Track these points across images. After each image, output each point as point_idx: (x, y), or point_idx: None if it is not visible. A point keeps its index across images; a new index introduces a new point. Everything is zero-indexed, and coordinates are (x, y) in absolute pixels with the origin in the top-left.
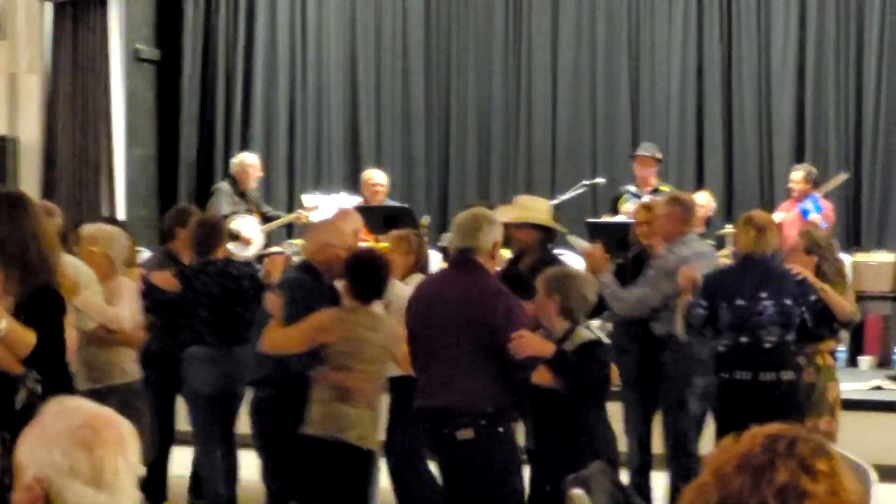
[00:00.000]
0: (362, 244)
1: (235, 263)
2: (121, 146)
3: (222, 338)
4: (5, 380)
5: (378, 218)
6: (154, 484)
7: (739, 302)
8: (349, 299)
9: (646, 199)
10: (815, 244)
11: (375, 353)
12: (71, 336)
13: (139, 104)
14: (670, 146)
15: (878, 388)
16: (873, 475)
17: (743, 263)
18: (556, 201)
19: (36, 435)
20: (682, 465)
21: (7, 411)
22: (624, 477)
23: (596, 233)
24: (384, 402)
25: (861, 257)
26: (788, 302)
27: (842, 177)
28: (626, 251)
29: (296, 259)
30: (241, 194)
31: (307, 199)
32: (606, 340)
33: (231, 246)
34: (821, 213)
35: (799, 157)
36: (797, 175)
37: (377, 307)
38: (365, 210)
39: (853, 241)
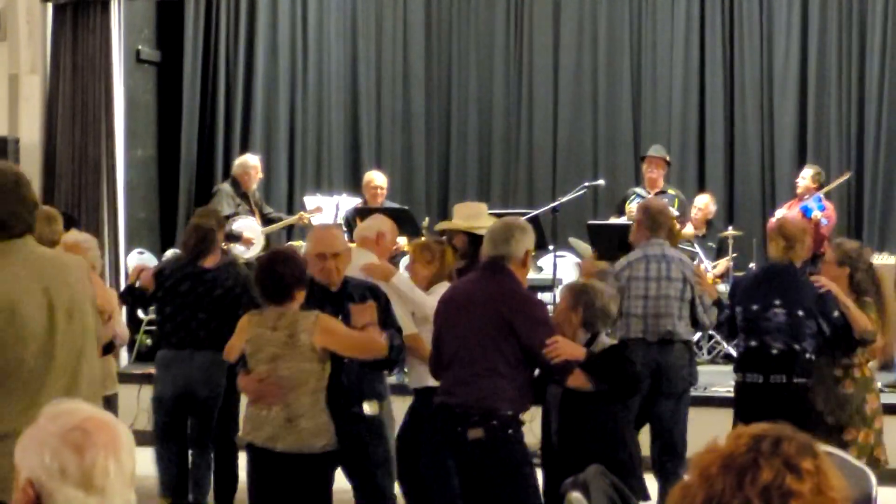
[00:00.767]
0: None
1: (226, 268)
2: (121, 147)
3: (180, 340)
4: None
5: None
6: None
7: (754, 307)
8: (262, 299)
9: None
10: (846, 255)
11: (272, 353)
12: None
13: (140, 105)
14: (672, 148)
15: (881, 391)
16: (874, 478)
17: (765, 270)
18: (556, 203)
19: (30, 437)
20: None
21: None
22: (651, 480)
23: (596, 234)
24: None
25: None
26: (800, 313)
27: (845, 176)
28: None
29: None
30: (243, 195)
31: (309, 200)
32: None
33: (232, 247)
34: (823, 211)
35: (801, 160)
36: (807, 173)
37: (292, 307)
38: (365, 211)
39: None
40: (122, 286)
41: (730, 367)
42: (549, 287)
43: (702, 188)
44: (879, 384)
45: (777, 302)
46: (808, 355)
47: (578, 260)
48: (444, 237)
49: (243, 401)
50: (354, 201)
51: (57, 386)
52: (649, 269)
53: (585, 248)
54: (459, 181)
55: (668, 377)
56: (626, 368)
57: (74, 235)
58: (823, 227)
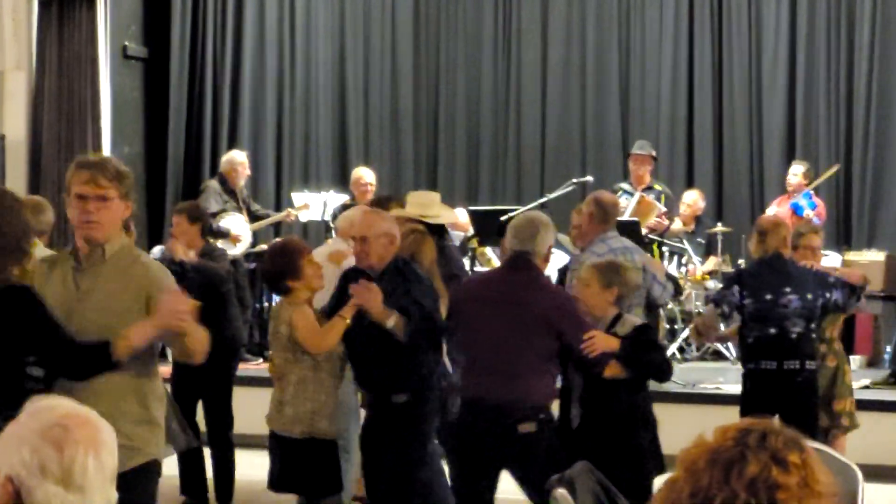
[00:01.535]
0: None
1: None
2: (108, 144)
3: None
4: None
5: None
6: None
7: (767, 297)
8: None
9: (638, 195)
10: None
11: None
12: None
13: (127, 102)
14: (661, 145)
15: (868, 387)
16: (860, 474)
17: (759, 264)
18: (544, 199)
19: (10, 433)
20: None
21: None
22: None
23: None
24: None
25: (852, 256)
26: (810, 296)
27: (834, 168)
28: None
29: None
30: (230, 192)
31: (297, 197)
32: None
33: (220, 244)
34: (814, 209)
35: (789, 157)
36: (799, 169)
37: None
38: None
39: (844, 240)
40: None
41: (719, 364)
42: None
43: (690, 185)
44: (867, 381)
45: (787, 289)
46: (814, 335)
47: (567, 256)
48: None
49: (237, 399)
50: (342, 198)
51: None
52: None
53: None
54: (447, 178)
55: None
56: (656, 355)
57: None
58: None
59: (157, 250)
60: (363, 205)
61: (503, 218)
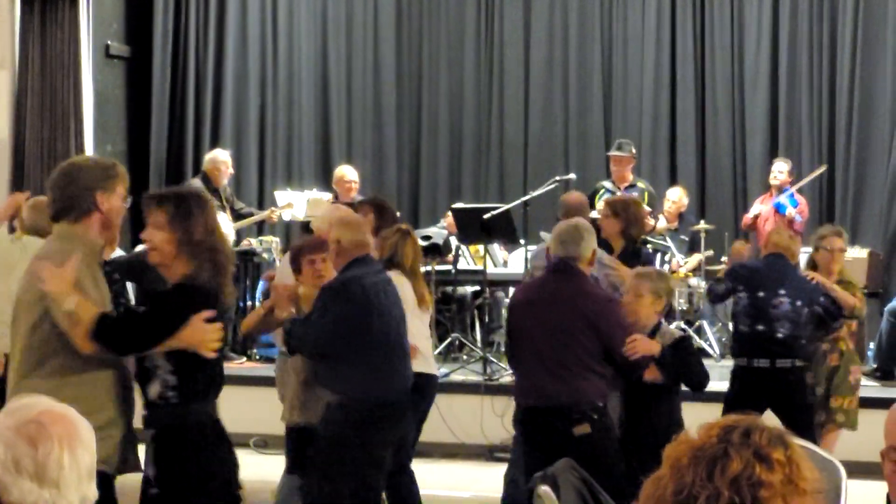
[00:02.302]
0: None
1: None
2: (91, 142)
3: None
4: (142, 370)
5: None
6: None
7: (760, 294)
8: None
9: (620, 194)
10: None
11: None
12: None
13: (109, 100)
14: (643, 142)
15: None
16: (843, 471)
17: (766, 262)
18: (527, 197)
19: None
20: None
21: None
22: None
23: None
24: None
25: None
26: (799, 303)
27: (820, 170)
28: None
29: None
30: (213, 191)
31: (280, 195)
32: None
33: None
34: (796, 207)
35: (772, 154)
36: (784, 167)
37: None
38: None
39: None
40: None
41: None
42: (519, 282)
43: (673, 182)
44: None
45: (782, 292)
46: (803, 341)
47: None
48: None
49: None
50: (325, 196)
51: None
52: None
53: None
54: (430, 175)
55: None
56: (694, 363)
57: None
58: (797, 224)
59: (141, 248)
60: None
61: (486, 216)
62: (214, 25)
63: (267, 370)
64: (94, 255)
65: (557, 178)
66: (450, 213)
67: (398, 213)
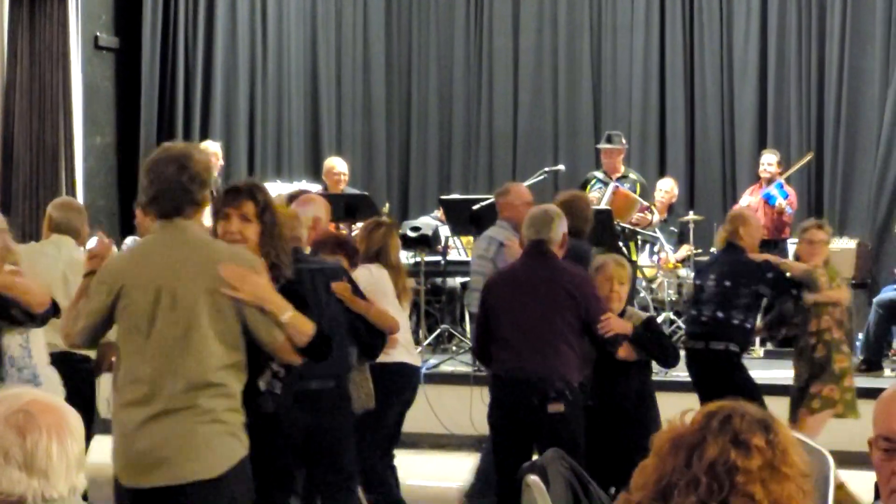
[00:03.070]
0: None
1: None
2: (80, 135)
3: None
4: (255, 364)
5: (339, 206)
6: None
7: (698, 281)
8: None
9: (613, 185)
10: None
11: None
12: None
13: (98, 92)
14: (632, 133)
15: None
16: (831, 460)
17: (724, 250)
18: None
19: None
20: None
21: (251, 392)
22: None
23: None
24: None
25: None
26: (728, 283)
27: (807, 157)
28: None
29: None
30: None
31: (269, 187)
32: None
33: None
34: (786, 199)
35: (761, 145)
36: (772, 158)
37: None
38: (326, 198)
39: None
40: None
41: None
42: None
43: (662, 172)
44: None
45: (712, 276)
46: (736, 322)
47: None
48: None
49: None
50: (315, 188)
51: (151, 367)
52: None
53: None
54: (420, 167)
55: None
56: (666, 341)
57: None
58: (787, 215)
59: (129, 240)
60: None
61: (474, 207)
62: (204, 17)
63: None
64: None
65: (546, 168)
66: (440, 205)
67: (388, 205)
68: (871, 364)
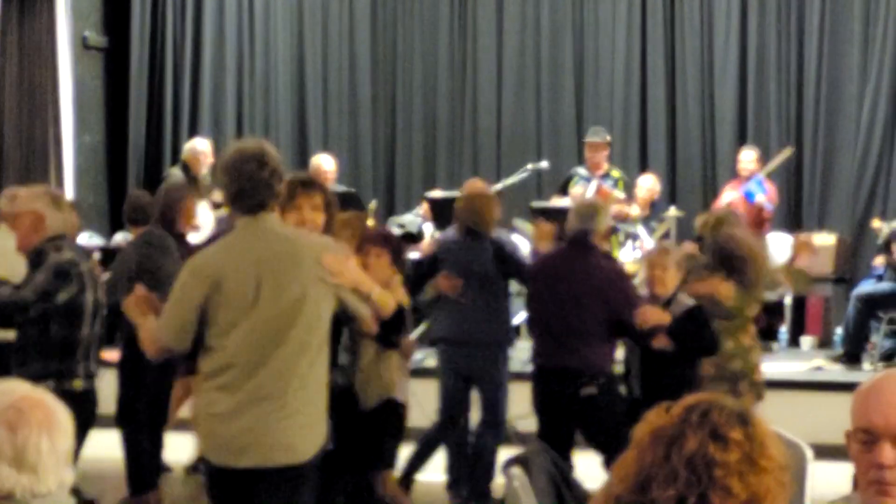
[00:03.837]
0: None
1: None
2: (69, 133)
3: None
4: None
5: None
6: None
7: None
8: None
9: (595, 182)
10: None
11: None
12: None
13: (87, 91)
14: (614, 129)
15: (819, 368)
16: (809, 453)
17: None
18: (500, 185)
19: None
20: None
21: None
22: None
23: (540, 216)
24: None
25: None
26: None
27: (787, 152)
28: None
29: None
30: (193, 180)
31: None
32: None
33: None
34: (766, 194)
35: (741, 141)
36: (752, 155)
37: None
38: None
39: (795, 223)
40: None
41: None
42: None
43: (644, 169)
44: (819, 362)
45: None
46: None
47: (527, 240)
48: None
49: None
50: None
51: (250, 354)
52: None
53: (530, 229)
54: (405, 164)
55: None
56: (704, 332)
57: None
58: (767, 212)
59: (119, 237)
60: None
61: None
62: (192, 16)
63: None
64: None
65: (530, 166)
66: (425, 202)
67: (374, 202)
68: (851, 357)
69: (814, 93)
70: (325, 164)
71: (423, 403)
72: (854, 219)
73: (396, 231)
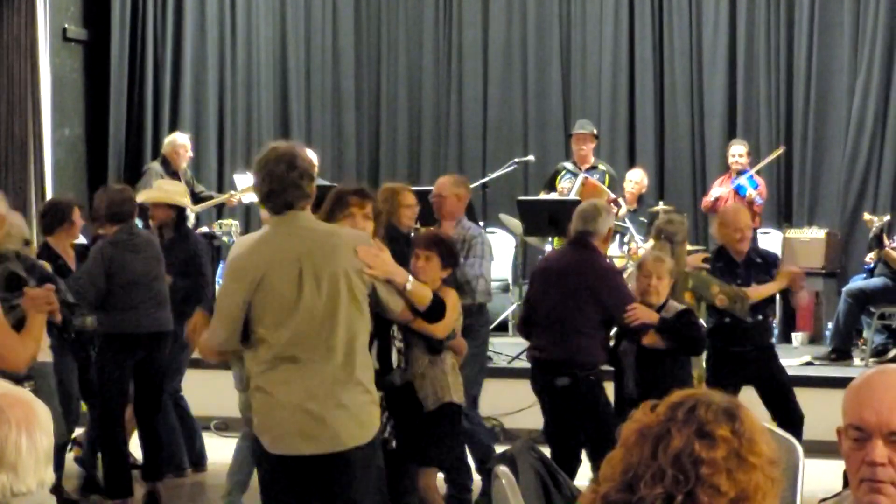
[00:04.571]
0: None
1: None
2: (48, 127)
3: None
4: (384, 340)
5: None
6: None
7: None
8: None
9: (582, 175)
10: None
11: None
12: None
13: (67, 84)
14: (602, 124)
15: (810, 363)
16: (801, 450)
17: None
18: (486, 179)
19: None
20: None
21: (384, 368)
22: None
23: (527, 210)
24: None
25: (792, 234)
26: None
27: (779, 151)
28: (556, 229)
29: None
30: (173, 174)
31: (239, 179)
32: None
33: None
34: (756, 189)
35: (731, 136)
36: (741, 149)
37: None
38: None
39: (785, 218)
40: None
41: None
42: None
43: (632, 163)
44: (809, 357)
45: None
46: None
47: (511, 235)
48: None
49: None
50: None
51: (301, 343)
52: None
53: (516, 224)
54: (390, 158)
55: None
56: (692, 331)
57: None
58: (757, 206)
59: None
60: None
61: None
62: (173, 8)
63: None
64: None
65: (516, 160)
66: None
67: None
68: (841, 353)
69: (804, 86)
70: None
71: None
72: (844, 213)
73: None
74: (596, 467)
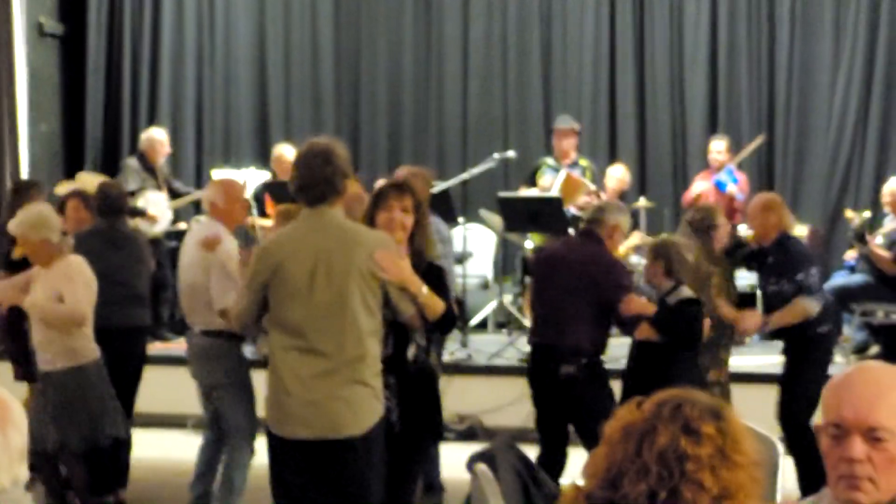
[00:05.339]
0: None
1: None
2: (24, 122)
3: None
4: (401, 336)
5: (288, 193)
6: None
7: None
8: None
9: (564, 171)
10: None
11: None
12: None
13: (43, 79)
14: (583, 119)
15: None
16: (780, 447)
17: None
18: (466, 175)
19: None
20: None
21: (401, 360)
22: None
23: (507, 207)
24: None
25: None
26: None
27: (759, 140)
28: (536, 225)
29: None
30: (150, 170)
31: (217, 175)
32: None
33: (138, 222)
34: (737, 184)
35: (712, 130)
36: (721, 145)
37: None
38: (274, 186)
39: None
40: None
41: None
42: (458, 260)
43: (613, 158)
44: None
45: None
46: None
47: (491, 231)
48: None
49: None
50: (264, 175)
51: (309, 332)
52: None
53: (496, 220)
54: (369, 154)
55: None
56: (688, 325)
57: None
58: (738, 203)
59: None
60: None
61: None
62: (150, 2)
63: None
64: None
65: (497, 155)
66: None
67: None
68: None
69: (785, 81)
70: (286, 154)
71: None
72: (826, 209)
73: None
74: None
